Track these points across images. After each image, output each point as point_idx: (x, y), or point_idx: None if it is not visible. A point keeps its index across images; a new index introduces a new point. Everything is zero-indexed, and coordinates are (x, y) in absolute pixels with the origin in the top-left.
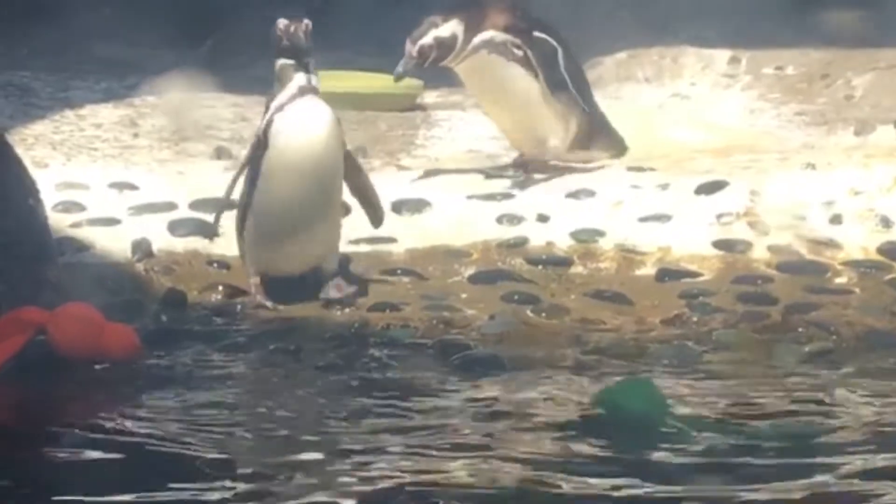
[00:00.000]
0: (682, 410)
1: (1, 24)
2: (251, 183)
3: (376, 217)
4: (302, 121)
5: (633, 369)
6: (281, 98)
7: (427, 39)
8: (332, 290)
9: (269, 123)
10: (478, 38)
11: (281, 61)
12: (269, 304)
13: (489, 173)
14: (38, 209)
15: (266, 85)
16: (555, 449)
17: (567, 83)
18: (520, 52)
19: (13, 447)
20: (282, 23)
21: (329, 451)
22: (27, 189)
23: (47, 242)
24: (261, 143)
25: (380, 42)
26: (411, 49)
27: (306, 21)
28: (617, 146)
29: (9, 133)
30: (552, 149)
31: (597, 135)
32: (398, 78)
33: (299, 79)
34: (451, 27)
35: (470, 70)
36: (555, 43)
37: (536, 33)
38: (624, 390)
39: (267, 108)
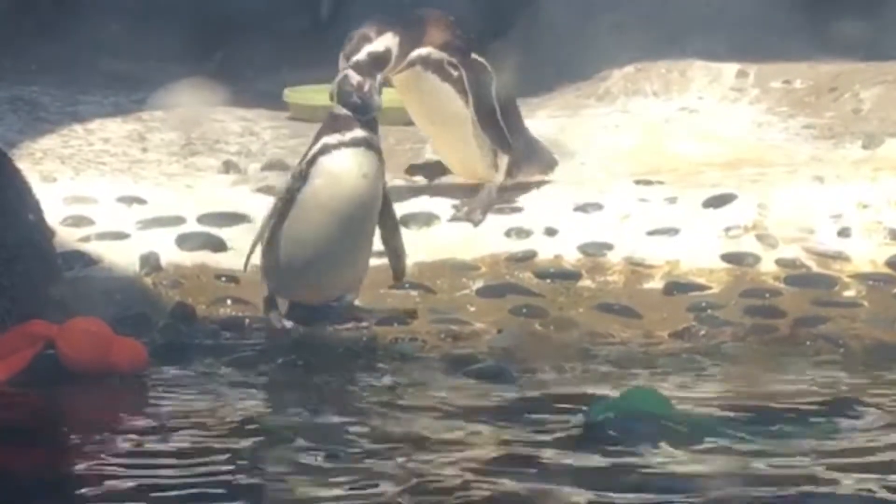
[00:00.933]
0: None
1: (10, 39)
2: (282, 211)
3: (398, 268)
4: (348, 169)
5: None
6: (332, 139)
7: (361, 56)
8: (350, 324)
9: (313, 160)
10: (414, 53)
11: (344, 112)
12: (284, 325)
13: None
14: (39, 225)
15: (273, 99)
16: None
17: (497, 114)
18: (455, 73)
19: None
20: (354, 78)
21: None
22: (28, 205)
23: (51, 258)
24: (301, 176)
25: None
26: (345, 67)
27: (378, 77)
28: (547, 166)
29: (17, 147)
30: (488, 189)
31: (525, 162)
32: (330, 98)
33: (358, 132)
34: (385, 41)
35: (403, 86)
36: (490, 69)
37: (474, 55)
38: (629, 397)
39: (315, 141)
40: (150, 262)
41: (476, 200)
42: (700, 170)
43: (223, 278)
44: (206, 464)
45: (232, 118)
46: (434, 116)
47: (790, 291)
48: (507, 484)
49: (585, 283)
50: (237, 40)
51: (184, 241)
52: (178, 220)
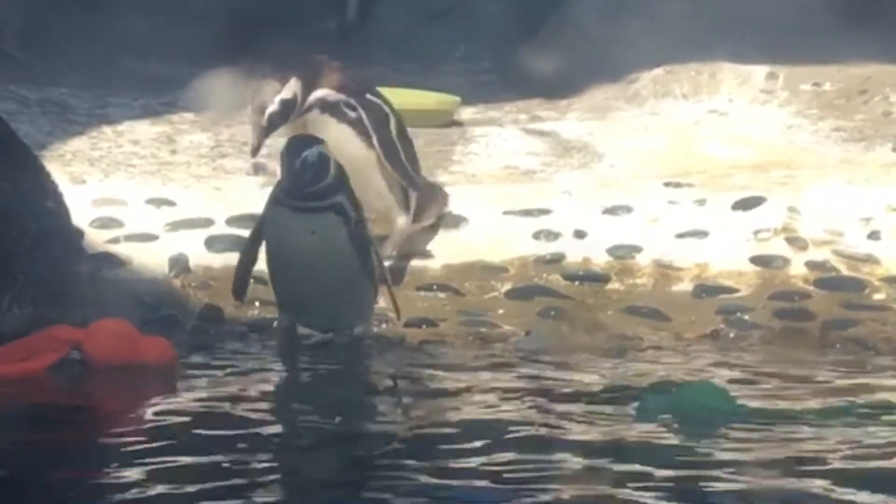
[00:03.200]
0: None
1: (40, 41)
2: (251, 251)
3: (394, 309)
4: (291, 228)
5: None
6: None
7: (274, 107)
8: None
9: (262, 220)
10: (312, 97)
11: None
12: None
13: None
14: (59, 210)
15: None
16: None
17: (399, 152)
18: (353, 114)
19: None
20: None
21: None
22: (46, 191)
23: (72, 240)
24: (257, 238)
25: (416, 58)
26: (259, 120)
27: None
28: (444, 204)
29: (47, 149)
30: (399, 231)
31: (430, 200)
32: (254, 153)
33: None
34: (291, 87)
35: (303, 129)
36: (387, 109)
37: (369, 96)
38: (685, 393)
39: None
40: (179, 264)
41: (389, 239)
42: (729, 172)
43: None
44: (244, 455)
45: None
46: (340, 160)
47: (819, 294)
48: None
49: (614, 285)
50: (265, 42)
51: (212, 243)
52: (207, 222)
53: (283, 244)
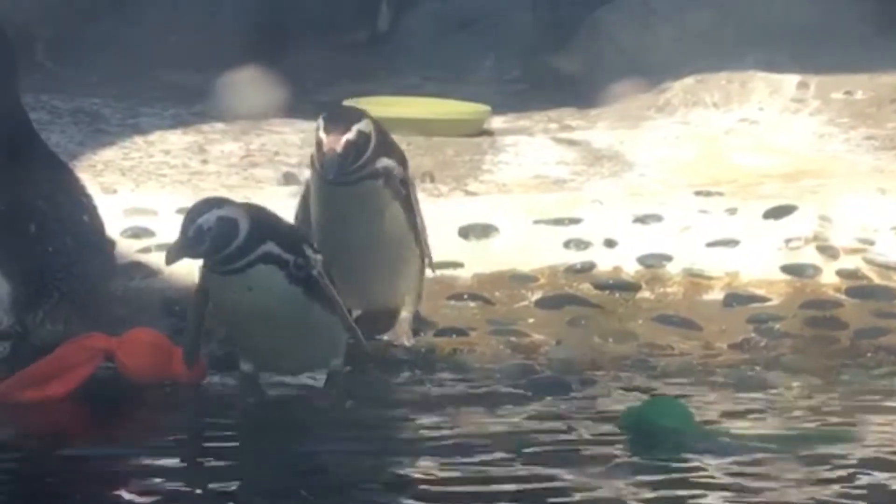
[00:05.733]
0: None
1: (71, 51)
2: (200, 304)
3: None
4: (226, 285)
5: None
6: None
7: (352, 136)
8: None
9: (200, 286)
10: (379, 162)
11: None
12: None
13: None
14: (94, 225)
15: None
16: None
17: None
18: (404, 192)
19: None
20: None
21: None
22: (82, 207)
23: (106, 256)
24: (202, 299)
25: (445, 67)
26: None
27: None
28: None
29: (78, 159)
30: (402, 321)
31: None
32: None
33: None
34: (368, 125)
35: (346, 200)
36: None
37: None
38: (652, 408)
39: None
40: None
41: (399, 327)
42: (760, 181)
43: None
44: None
45: (291, 130)
46: (374, 238)
47: (851, 303)
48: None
49: (644, 294)
50: (297, 52)
51: None
52: None
53: (225, 305)
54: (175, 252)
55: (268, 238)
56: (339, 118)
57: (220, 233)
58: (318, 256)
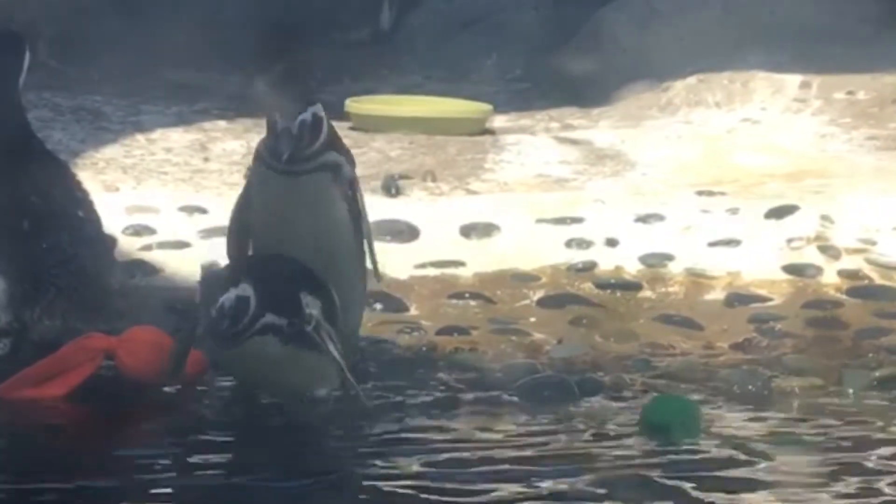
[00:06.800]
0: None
1: (73, 49)
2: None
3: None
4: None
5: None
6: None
7: (307, 116)
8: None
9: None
10: (329, 155)
11: None
12: None
13: None
14: (91, 220)
15: (335, 109)
16: None
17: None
18: (350, 193)
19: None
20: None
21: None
22: (77, 202)
23: (104, 251)
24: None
25: (448, 66)
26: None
27: None
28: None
29: (80, 157)
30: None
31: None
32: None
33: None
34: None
35: (298, 190)
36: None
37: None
38: (660, 406)
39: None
40: None
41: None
42: (762, 181)
43: None
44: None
45: None
46: (314, 239)
47: (852, 303)
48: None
49: (646, 293)
50: (299, 51)
51: None
52: None
53: (217, 364)
54: (201, 333)
55: (268, 310)
56: (292, 102)
57: (235, 313)
58: (314, 312)
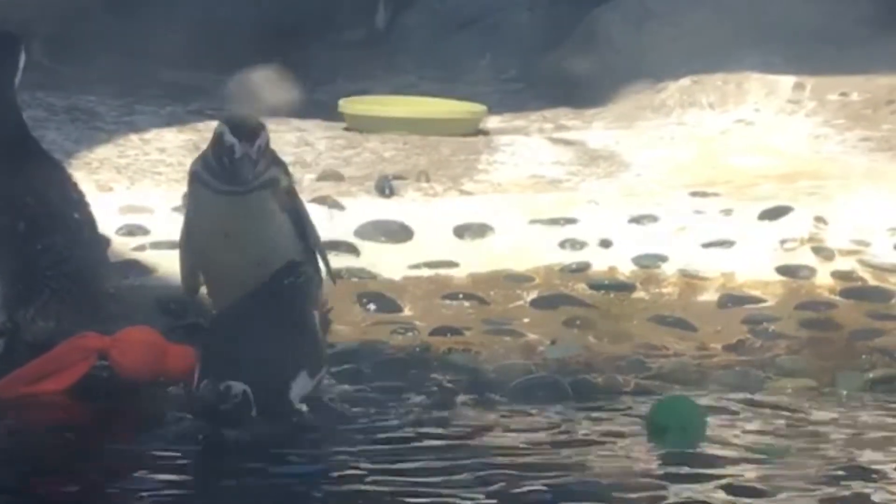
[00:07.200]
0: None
1: (67, 49)
2: None
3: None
4: None
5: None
6: None
7: (262, 141)
8: None
9: None
10: (272, 171)
11: None
12: None
13: None
14: (86, 222)
15: (329, 109)
16: None
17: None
18: (290, 207)
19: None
20: None
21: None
22: (72, 203)
23: (98, 253)
24: None
25: (442, 66)
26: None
27: None
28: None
29: (74, 156)
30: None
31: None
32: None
33: None
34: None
35: (244, 207)
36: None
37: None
38: (664, 407)
39: None
40: None
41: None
42: (756, 182)
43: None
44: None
45: (287, 128)
46: (261, 254)
47: (846, 304)
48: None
49: (640, 294)
50: (293, 51)
51: None
52: None
53: None
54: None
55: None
56: (246, 123)
57: (237, 405)
58: (302, 406)
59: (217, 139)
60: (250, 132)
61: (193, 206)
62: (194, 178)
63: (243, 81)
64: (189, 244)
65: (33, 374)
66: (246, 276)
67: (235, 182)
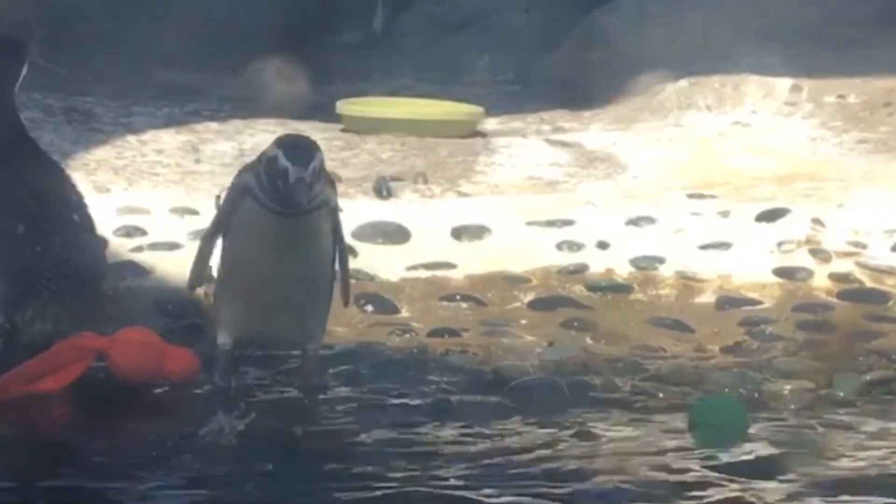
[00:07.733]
0: None
1: (65, 50)
2: None
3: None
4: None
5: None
6: None
7: (317, 163)
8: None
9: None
10: (326, 194)
11: None
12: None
13: None
14: (84, 224)
15: (326, 110)
16: None
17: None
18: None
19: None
20: None
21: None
22: (71, 206)
23: (97, 255)
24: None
25: (440, 68)
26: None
27: None
28: None
29: (72, 158)
30: (314, 352)
31: None
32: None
33: None
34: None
35: (285, 232)
36: None
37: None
38: (707, 406)
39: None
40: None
41: (308, 368)
42: (753, 184)
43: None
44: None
45: (284, 129)
46: (306, 271)
47: (843, 306)
48: None
49: (637, 296)
50: (291, 53)
51: None
52: None
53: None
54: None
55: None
56: (300, 145)
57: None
58: None
59: (271, 162)
60: (305, 155)
61: (241, 220)
62: (246, 191)
63: (248, 80)
64: (223, 251)
65: (30, 374)
66: (287, 291)
67: (289, 205)
